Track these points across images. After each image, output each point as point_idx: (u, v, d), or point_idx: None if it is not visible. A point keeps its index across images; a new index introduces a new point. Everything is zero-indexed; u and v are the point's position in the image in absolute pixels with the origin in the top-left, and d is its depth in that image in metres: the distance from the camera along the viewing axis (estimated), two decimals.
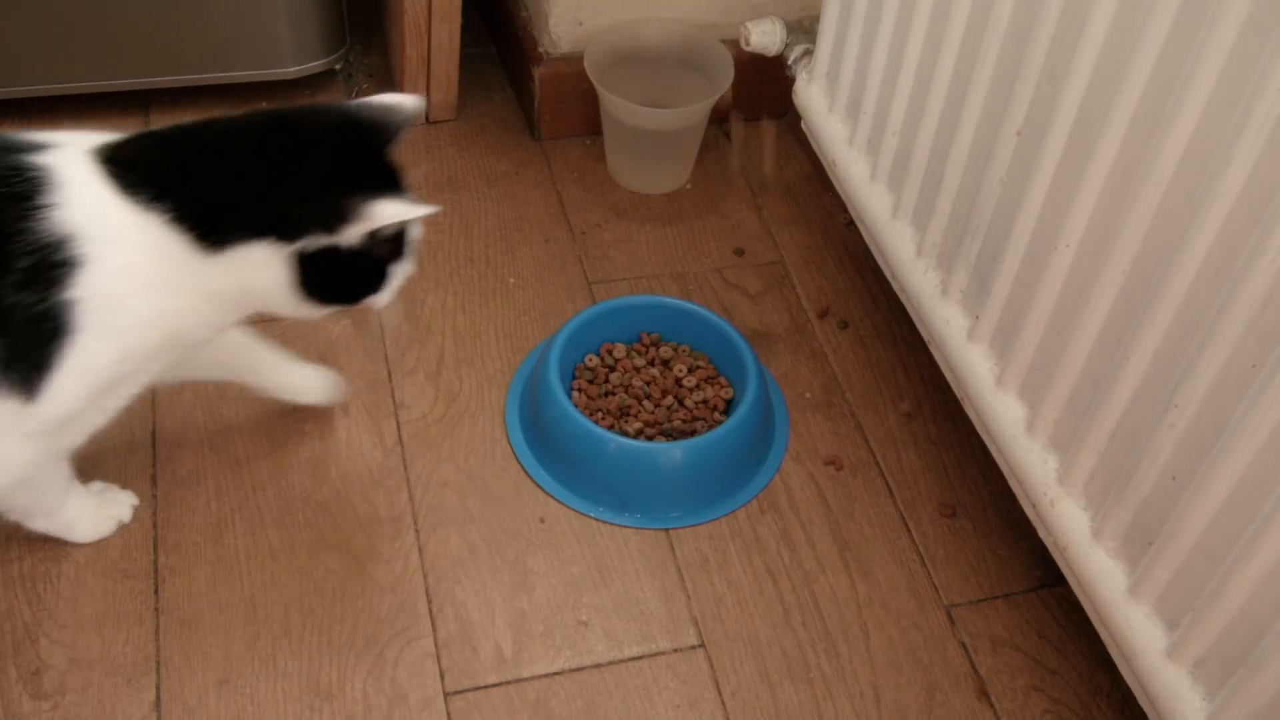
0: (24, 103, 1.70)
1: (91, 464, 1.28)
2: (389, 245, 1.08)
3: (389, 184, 1.06)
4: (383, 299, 1.12)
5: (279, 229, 1.02)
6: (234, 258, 1.02)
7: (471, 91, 1.84)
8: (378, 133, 1.07)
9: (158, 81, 1.71)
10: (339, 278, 1.07)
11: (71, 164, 0.99)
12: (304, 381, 1.38)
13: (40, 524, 1.24)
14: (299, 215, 1.02)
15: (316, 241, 1.02)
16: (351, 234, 1.02)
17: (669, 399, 1.44)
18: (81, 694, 1.18)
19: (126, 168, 1.00)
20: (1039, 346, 1.16)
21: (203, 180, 1.01)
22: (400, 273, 1.12)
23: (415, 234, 1.12)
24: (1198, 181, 0.92)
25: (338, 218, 1.01)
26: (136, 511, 1.31)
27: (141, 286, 1.01)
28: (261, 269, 1.03)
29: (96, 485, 1.29)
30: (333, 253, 1.03)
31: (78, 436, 1.10)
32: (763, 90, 1.79)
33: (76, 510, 1.25)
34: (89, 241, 0.97)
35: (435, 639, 1.24)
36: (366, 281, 1.10)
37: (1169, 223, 0.96)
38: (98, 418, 1.09)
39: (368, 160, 1.06)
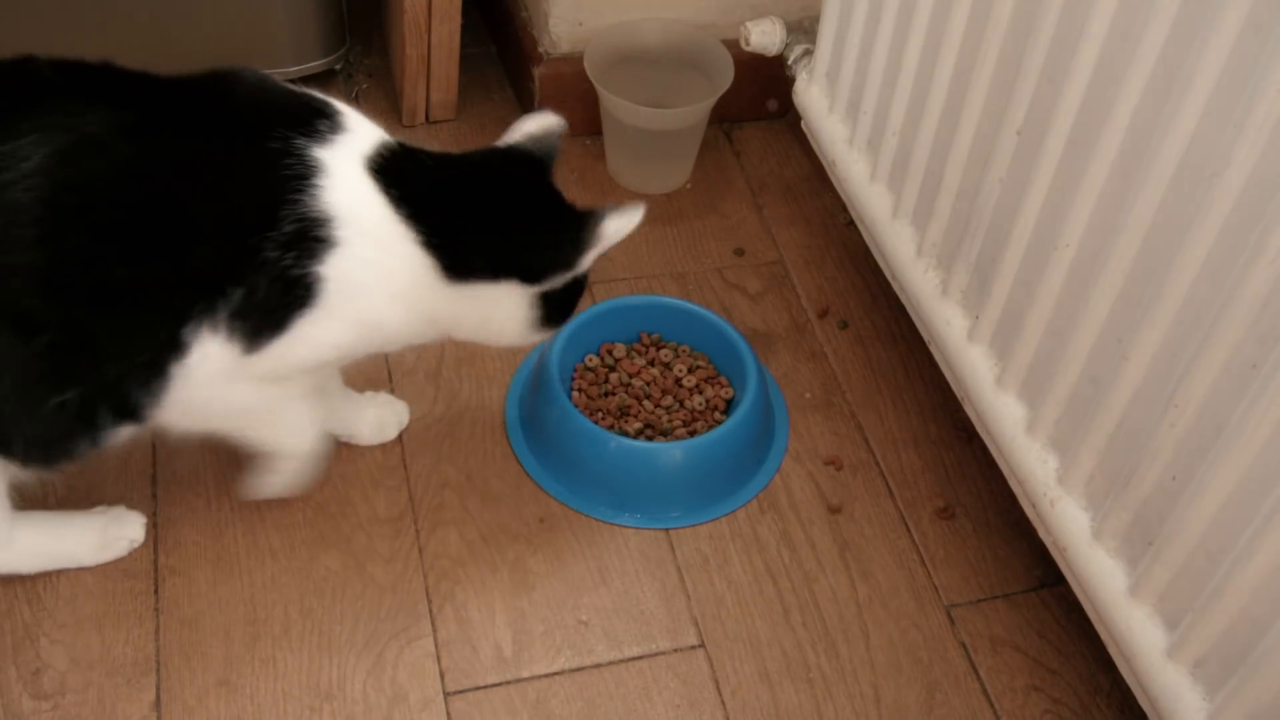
0: None
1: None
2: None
3: (568, 205, 1.16)
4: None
5: (523, 274, 1.12)
6: (472, 291, 1.11)
7: (471, 91, 1.84)
8: (549, 161, 1.17)
9: None
10: (568, 301, 1.18)
11: (345, 158, 1.06)
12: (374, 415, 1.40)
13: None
14: (542, 262, 1.12)
15: (557, 280, 1.13)
16: (588, 261, 1.13)
17: (669, 399, 1.44)
18: (81, 694, 1.18)
19: (390, 179, 1.07)
20: (1039, 346, 1.16)
21: (452, 218, 1.09)
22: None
23: None
24: (1197, 181, 0.92)
25: (577, 251, 1.12)
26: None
27: (380, 284, 1.08)
28: (500, 304, 1.13)
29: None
30: (566, 284, 1.14)
31: (303, 390, 1.19)
32: (763, 90, 1.79)
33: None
34: (347, 227, 1.04)
35: (435, 639, 1.24)
36: (580, 293, 1.19)
37: (1169, 223, 0.97)
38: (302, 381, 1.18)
39: (550, 188, 1.16)
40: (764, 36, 1.65)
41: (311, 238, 1.03)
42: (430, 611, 1.27)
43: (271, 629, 1.24)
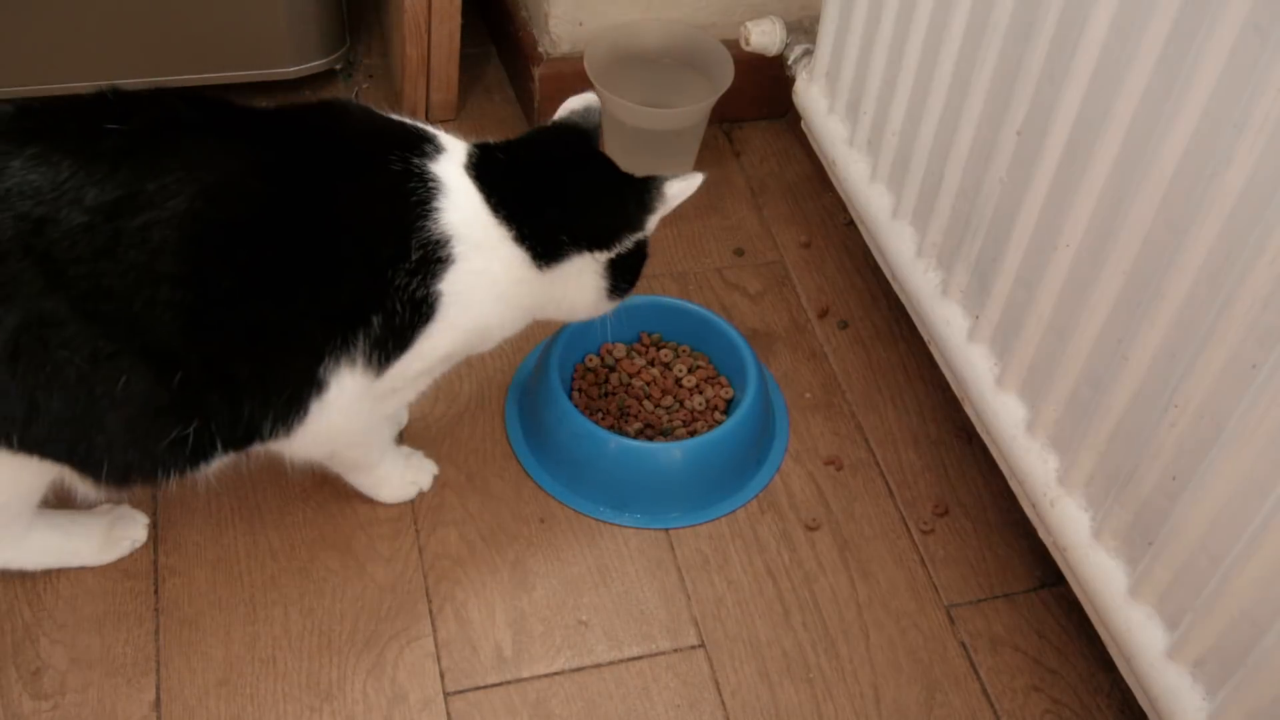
0: None
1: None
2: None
3: (624, 172, 1.21)
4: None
5: (596, 241, 1.16)
6: (559, 272, 1.16)
7: (471, 91, 1.84)
8: (595, 133, 1.23)
9: (158, 81, 1.70)
10: (634, 267, 1.22)
11: (455, 172, 1.12)
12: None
13: (357, 479, 1.31)
14: (614, 227, 1.17)
15: (626, 243, 1.18)
16: (654, 222, 1.18)
17: (669, 399, 1.44)
18: (81, 694, 1.18)
19: (486, 182, 1.12)
20: (1039, 346, 1.16)
21: (535, 207, 1.14)
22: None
23: None
24: (1197, 181, 0.92)
25: (644, 211, 1.17)
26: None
27: (487, 289, 1.14)
28: (580, 277, 1.18)
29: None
30: (632, 248, 1.19)
31: (400, 404, 1.27)
32: (763, 90, 1.79)
33: (386, 470, 1.32)
34: (462, 243, 1.10)
35: (435, 639, 1.24)
36: (644, 259, 1.23)
37: (1169, 223, 0.97)
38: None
39: (603, 157, 1.22)
40: (764, 36, 1.65)
41: (435, 259, 1.09)
42: (430, 611, 1.27)
43: (271, 629, 1.24)
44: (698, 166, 1.76)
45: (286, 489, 1.34)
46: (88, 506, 1.25)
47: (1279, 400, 0.87)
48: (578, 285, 1.19)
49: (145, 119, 1.02)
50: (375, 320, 1.09)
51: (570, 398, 1.42)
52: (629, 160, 1.71)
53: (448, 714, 1.19)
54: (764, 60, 1.69)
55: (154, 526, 1.30)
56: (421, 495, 1.35)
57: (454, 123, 1.80)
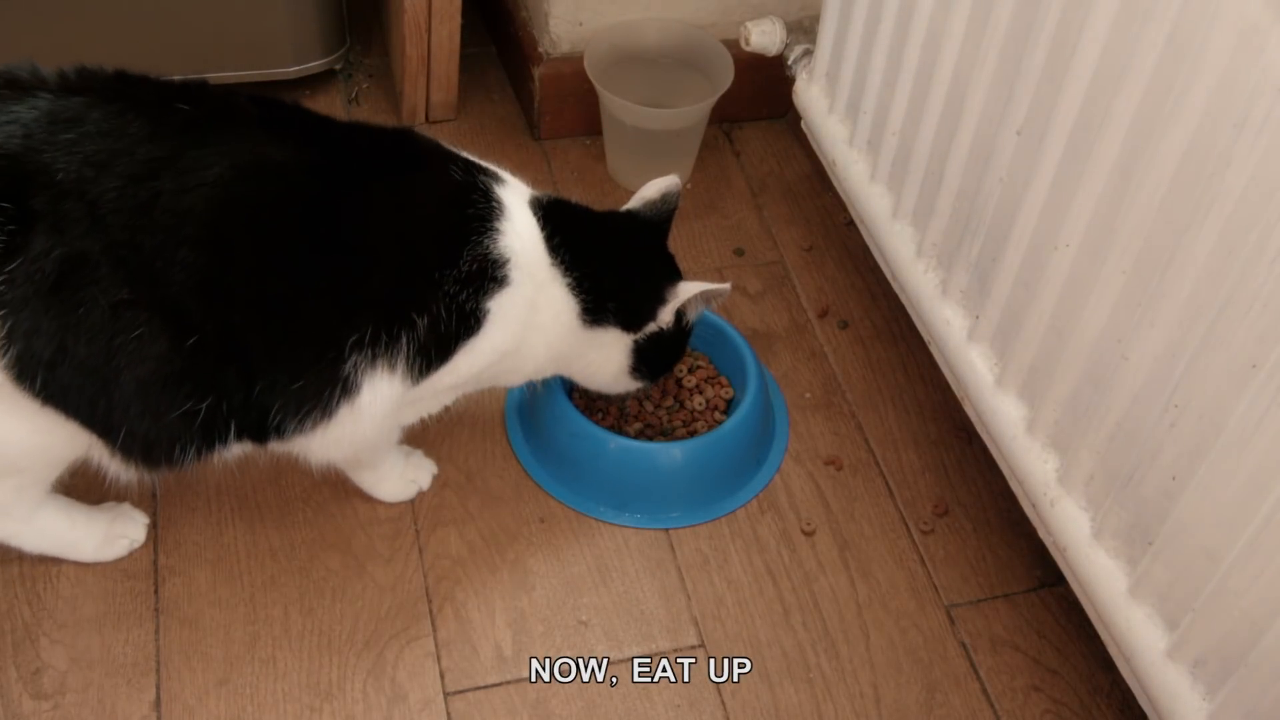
0: None
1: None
2: (687, 327, 1.29)
3: (674, 268, 1.29)
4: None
5: (628, 322, 1.23)
6: (595, 336, 1.23)
7: (471, 91, 1.84)
8: (665, 223, 1.30)
9: None
10: (659, 358, 1.28)
11: (519, 203, 1.17)
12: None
13: (359, 475, 1.33)
14: (640, 312, 1.24)
15: (646, 330, 1.24)
16: (665, 314, 1.24)
17: (669, 399, 1.44)
18: (81, 694, 1.18)
19: (550, 223, 1.19)
20: (1039, 346, 1.16)
21: (594, 268, 1.20)
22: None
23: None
24: (1197, 181, 0.92)
25: (658, 302, 1.23)
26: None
27: (529, 319, 1.18)
28: (609, 349, 1.25)
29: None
30: (654, 338, 1.25)
31: (418, 416, 1.28)
32: (763, 90, 1.79)
33: (387, 469, 1.33)
34: (518, 269, 1.14)
35: (435, 639, 1.24)
36: (675, 355, 1.31)
37: (1169, 223, 0.96)
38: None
39: (662, 250, 1.30)
40: (764, 36, 1.65)
41: (490, 277, 1.12)
42: (430, 611, 1.27)
43: (271, 629, 1.24)
44: (698, 166, 1.76)
45: (286, 489, 1.34)
46: (114, 497, 1.27)
47: (1279, 400, 0.87)
48: (605, 356, 1.26)
49: (212, 106, 1.09)
50: (420, 323, 1.10)
51: (570, 398, 1.41)
52: (629, 160, 1.72)
53: (448, 714, 1.19)
54: (764, 60, 1.69)
55: (154, 526, 1.30)
56: (421, 495, 1.35)
57: (454, 123, 1.80)
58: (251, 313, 1.06)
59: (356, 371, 1.09)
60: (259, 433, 1.12)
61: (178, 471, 1.13)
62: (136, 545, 1.28)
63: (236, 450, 1.14)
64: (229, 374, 1.07)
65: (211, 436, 1.10)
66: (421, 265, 1.10)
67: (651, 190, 1.29)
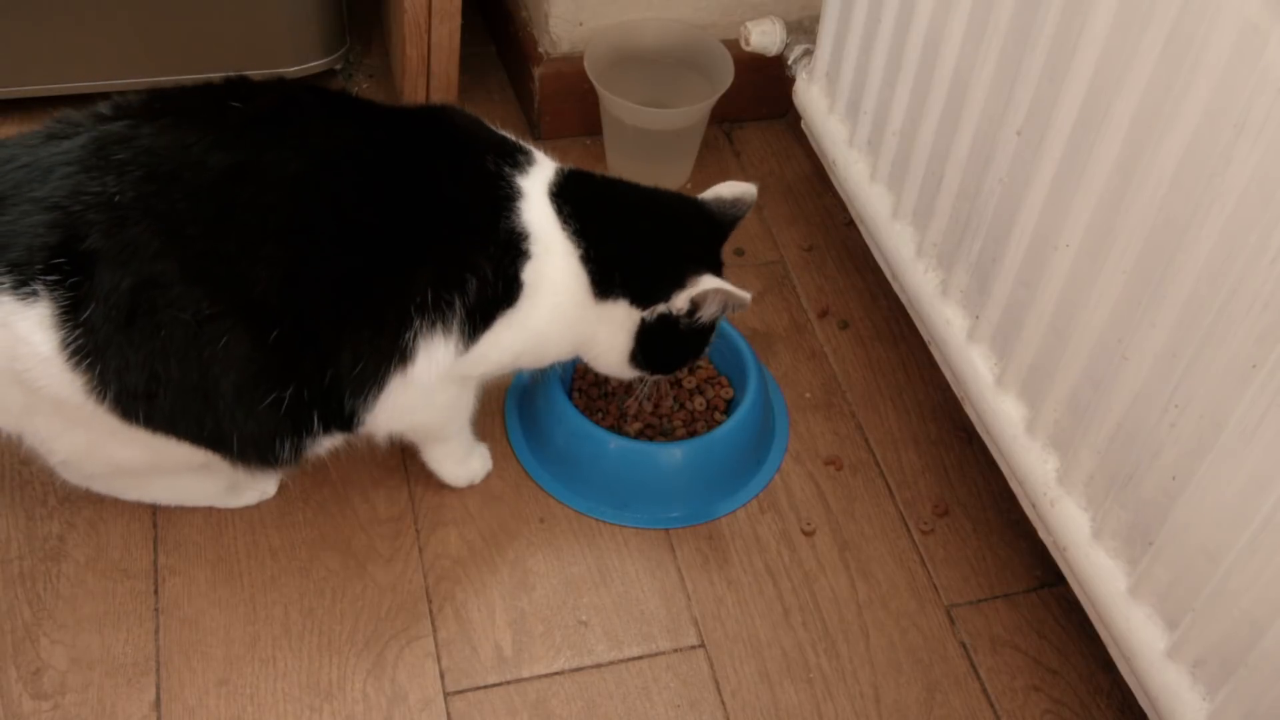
0: (24, 103, 1.70)
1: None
2: (702, 329, 1.24)
3: (709, 261, 1.24)
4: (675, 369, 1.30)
5: (636, 295, 1.20)
6: (605, 311, 1.20)
7: (471, 91, 1.84)
8: (725, 222, 1.26)
9: (158, 81, 1.70)
10: (664, 351, 1.24)
11: (538, 186, 1.18)
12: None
13: (430, 449, 1.33)
14: (656, 287, 1.19)
15: (656, 310, 1.20)
16: (680, 300, 1.18)
17: (669, 399, 1.44)
18: (81, 694, 1.18)
19: (563, 199, 1.18)
20: (1039, 346, 1.16)
21: (605, 236, 1.19)
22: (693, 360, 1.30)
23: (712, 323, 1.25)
24: (1198, 181, 0.92)
25: (674, 284, 1.18)
26: (136, 511, 1.30)
27: (550, 294, 1.17)
28: (615, 327, 1.22)
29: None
30: (664, 324, 1.21)
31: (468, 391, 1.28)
32: (763, 90, 1.79)
33: (453, 448, 1.34)
34: (538, 243, 1.15)
35: (435, 639, 1.24)
36: (680, 357, 1.27)
37: (1169, 223, 0.96)
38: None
39: (710, 247, 1.26)
40: (764, 36, 1.65)
41: (516, 249, 1.14)
42: (430, 611, 1.27)
43: (271, 629, 1.24)
44: (698, 166, 1.76)
45: (286, 489, 1.34)
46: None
47: (1279, 400, 0.87)
48: (610, 334, 1.23)
49: (267, 99, 1.11)
50: (471, 285, 1.12)
51: (570, 398, 1.42)
52: (629, 160, 1.72)
53: (448, 714, 1.19)
54: (764, 60, 1.69)
55: (154, 526, 1.30)
56: (421, 495, 1.35)
57: None
58: (324, 296, 1.08)
59: (416, 338, 1.11)
60: (341, 420, 1.14)
61: (289, 469, 1.18)
62: (267, 496, 1.32)
63: (328, 443, 1.18)
64: (307, 360, 1.09)
65: (300, 427, 1.12)
66: (470, 231, 1.13)
67: (727, 190, 1.27)
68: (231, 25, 1.65)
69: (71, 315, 1.01)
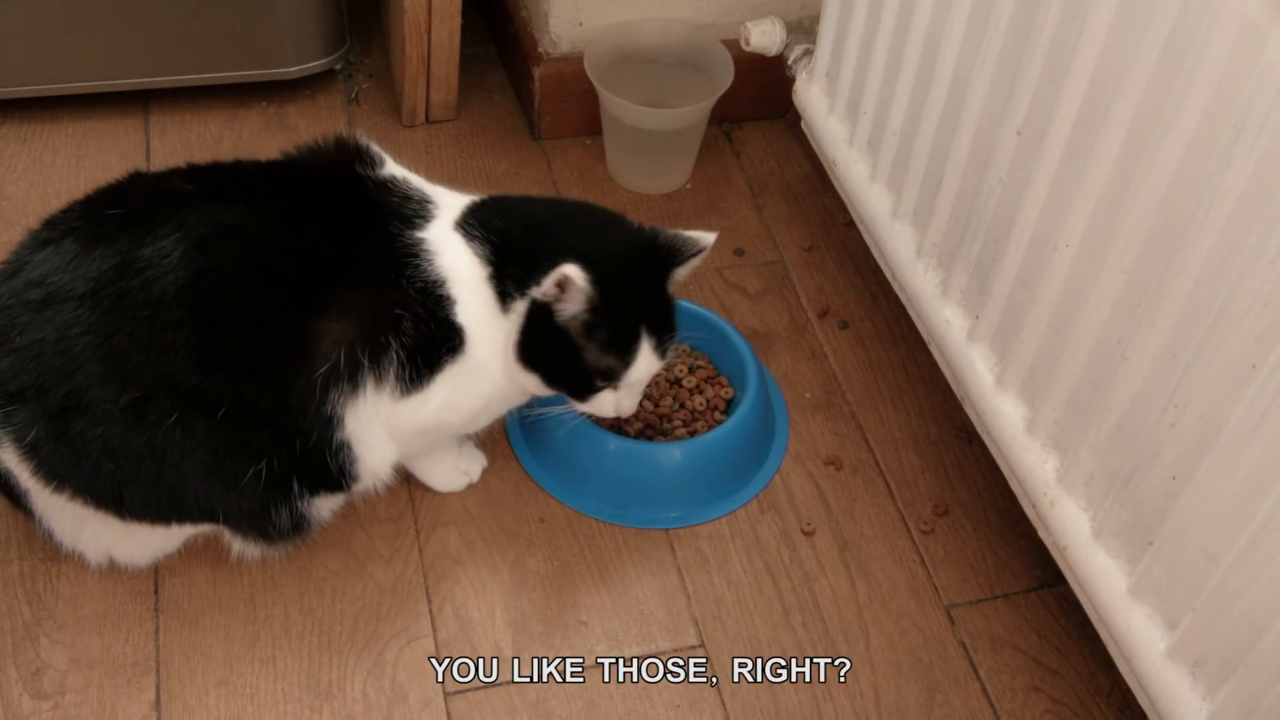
0: (24, 103, 1.70)
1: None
2: (602, 353, 1.16)
3: (662, 311, 1.20)
4: (589, 407, 1.22)
5: (518, 283, 1.15)
6: (510, 319, 1.16)
7: (471, 91, 1.84)
8: (660, 249, 1.19)
9: (158, 81, 1.71)
10: (541, 348, 1.16)
11: (442, 232, 1.16)
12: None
13: (413, 463, 1.33)
14: (530, 273, 1.13)
15: (530, 294, 1.13)
16: (547, 284, 1.11)
17: (669, 399, 1.44)
18: (81, 694, 1.18)
19: (472, 226, 1.16)
20: (1039, 346, 1.16)
21: (507, 248, 1.16)
22: (609, 400, 1.21)
23: (640, 379, 1.20)
24: (1197, 181, 0.92)
25: (540, 271, 1.12)
26: None
27: (484, 334, 1.16)
28: (509, 325, 1.16)
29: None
30: (539, 312, 1.14)
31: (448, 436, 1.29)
32: (763, 90, 1.79)
33: (438, 456, 1.34)
34: (457, 285, 1.14)
35: (435, 639, 1.24)
36: (567, 370, 1.18)
37: (1169, 223, 0.97)
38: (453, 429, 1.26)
39: (651, 281, 1.19)
40: (764, 36, 1.65)
41: (436, 295, 1.13)
42: (430, 611, 1.27)
43: (271, 629, 1.24)
44: (698, 166, 1.76)
45: None
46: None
47: (1279, 400, 0.87)
48: (505, 339, 1.17)
49: (146, 197, 1.13)
50: (405, 322, 1.11)
51: None
52: (629, 160, 1.72)
53: (448, 714, 1.19)
54: (764, 60, 1.69)
55: None
56: (421, 495, 1.35)
57: (454, 123, 1.80)
58: (250, 373, 1.09)
59: (340, 403, 1.11)
60: (330, 481, 1.17)
61: (297, 539, 1.21)
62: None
63: (328, 503, 1.22)
64: (264, 435, 1.11)
65: (287, 493, 1.15)
66: (382, 275, 1.12)
67: (690, 231, 1.22)
68: (231, 25, 1.65)
69: (25, 444, 1.08)
